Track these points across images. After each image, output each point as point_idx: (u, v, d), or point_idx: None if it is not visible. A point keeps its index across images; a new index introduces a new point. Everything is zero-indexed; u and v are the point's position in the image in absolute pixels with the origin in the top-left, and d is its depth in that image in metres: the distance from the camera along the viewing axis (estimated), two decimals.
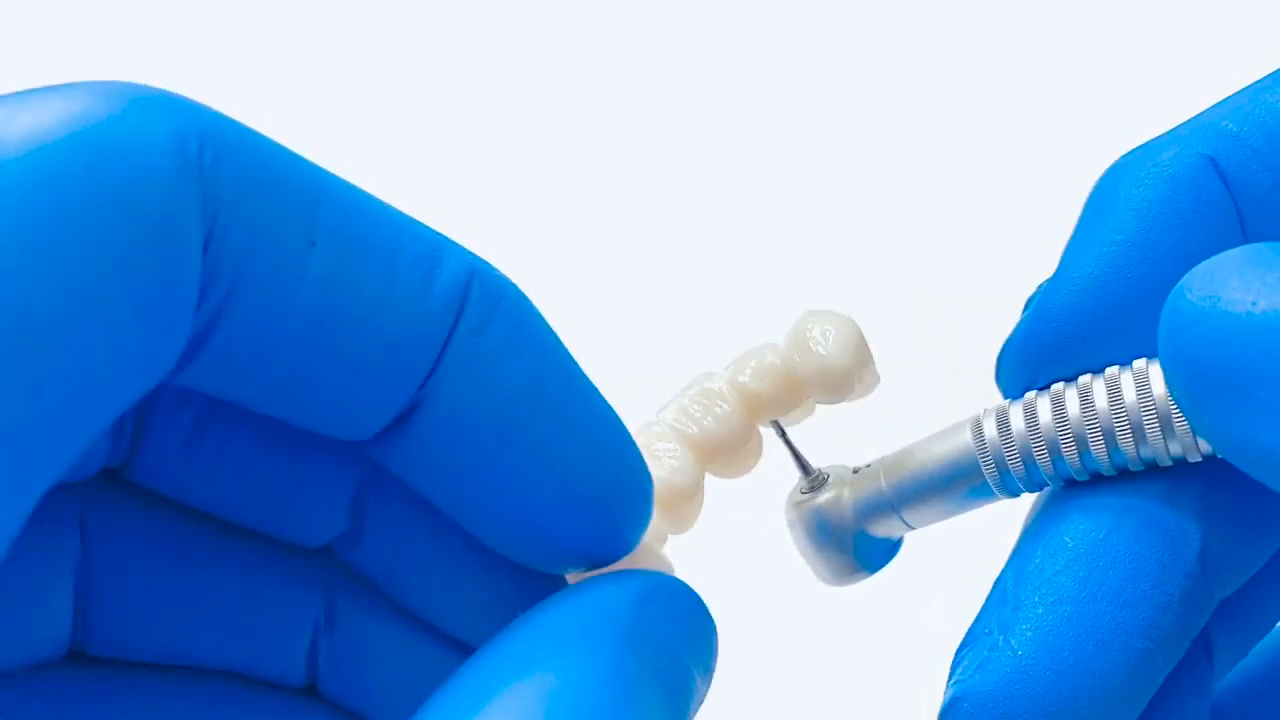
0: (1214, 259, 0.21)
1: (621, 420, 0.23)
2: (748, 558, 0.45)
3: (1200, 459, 0.23)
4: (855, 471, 0.26)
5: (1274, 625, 0.26)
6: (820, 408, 0.27)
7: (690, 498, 0.26)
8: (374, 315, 0.20)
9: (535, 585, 0.24)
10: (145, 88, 0.19)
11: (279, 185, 0.19)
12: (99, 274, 0.17)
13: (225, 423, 0.23)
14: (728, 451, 0.26)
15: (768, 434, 0.27)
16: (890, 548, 0.26)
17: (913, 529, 0.25)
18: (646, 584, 0.21)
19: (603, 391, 0.23)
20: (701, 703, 0.22)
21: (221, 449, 0.23)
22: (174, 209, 0.18)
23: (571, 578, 0.23)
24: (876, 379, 0.26)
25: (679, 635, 0.21)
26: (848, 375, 0.25)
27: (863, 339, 0.26)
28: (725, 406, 0.26)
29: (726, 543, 0.39)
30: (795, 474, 0.26)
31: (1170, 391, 0.21)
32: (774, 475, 0.28)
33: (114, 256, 0.17)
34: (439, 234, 0.21)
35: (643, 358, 0.53)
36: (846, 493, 0.25)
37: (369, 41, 0.68)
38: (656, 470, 0.26)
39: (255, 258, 0.19)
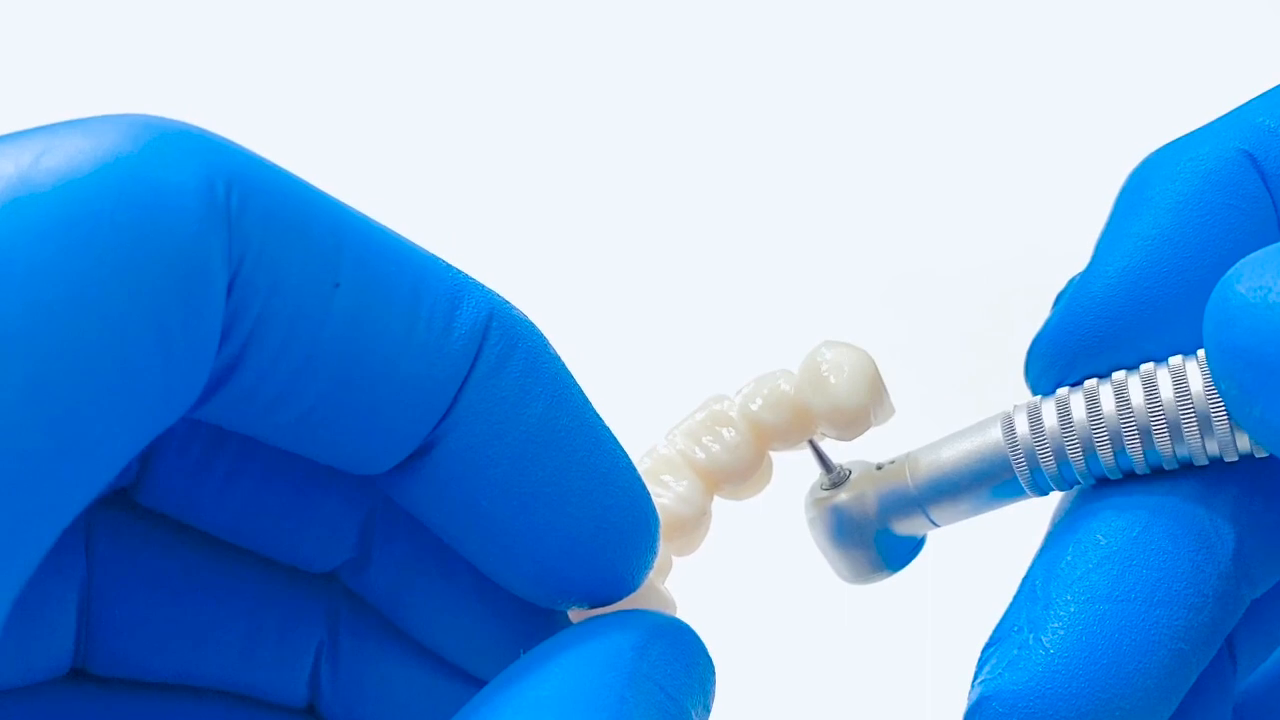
0: (1264, 250, 0.20)
1: (630, 460, 0.22)
2: (756, 573, 0.46)
3: (1237, 458, 0.22)
4: (879, 468, 0.25)
5: None
6: None
7: (695, 527, 0.26)
8: (394, 356, 0.20)
9: (538, 619, 0.24)
10: (171, 123, 0.19)
11: (304, 227, 0.19)
12: (124, 315, 0.17)
13: (236, 449, 0.23)
14: (736, 479, 0.26)
15: (778, 456, 0.27)
16: (914, 546, 0.25)
17: (938, 527, 0.25)
18: (649, 627, 0.21)
19: (619, 398, 0.23)
20: None
21: (231, 475, 0.23)
22: (200, 252, 0.18)
23: (574, 614, 0.23)
24: (891, 412, 0.26)
25: (679, 678, 0.21)
26: (861, 414, 0.25)
27: (877, 374, 0.25)
28: (734, 434, 0.26)
29: (735, 559, 0.39)
30: (800, 478, 0.26)
31: (1216, 383, 0.21)
32: (784, 494, 0.28)
33: (139, 297, 0.17)
34: (460, 272, 0.21)
35: (661, 364, 0.53)
36: (870, 489, 0.25)
37: (367, 56, 0.67)
38: (663, 498, 0.25)
39: (279, 300, 0.19)
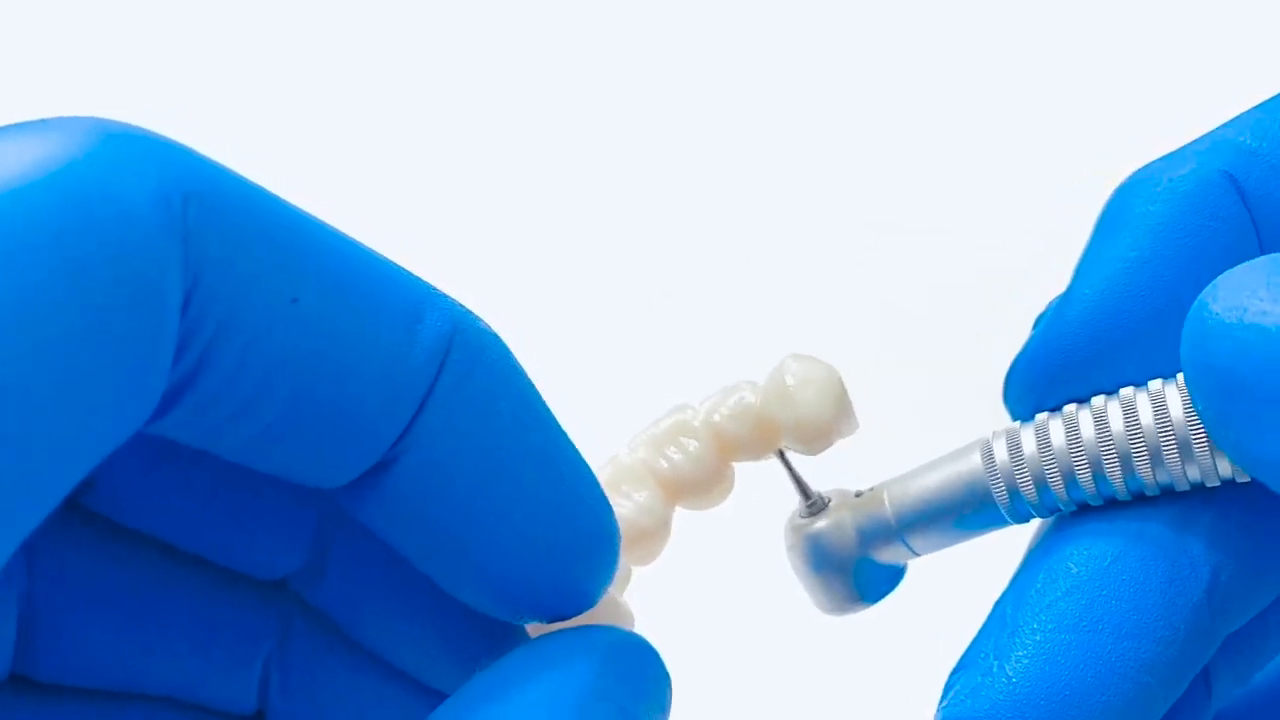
0: (1239, 268, 0.20)
1: (593, 475, 0.22)
2: (716, 584, 0.46)
3: (1218, 483, 0.22)
4: (858, 495, 0.25)
5: (1276, 656, 0.25)
6: None
7: (655, 536, 0.26)
8: (356, 370, 0.19)
9: (495, 632, 0.23)
10: (127, 127, 0.18)
11: (262, 238, 0.18)
12: (73, 331, 0.17)
13: (186, 459, 0.22)
14: (698, 489, 0.26)
15: (741, 468, 0.27)
16: (893, 575, 0.25)
17: (917, 555, 0.25)
18: (606, 644, 0.21)
19: (585, 402, 0.22)
20: None
21: (180, 483, 0.22)
22: (155, 266, 0.17)
23: (532, 628, 0.23)
24: (855, 427, 0.26)
25: (634, 694, 0.21)
26: (825, 429, 0.25)
27: (843, 389, 0.25)
28: (697, 445, 0.26)
29: (696, 570, 0.39)
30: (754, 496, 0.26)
31: (1194, 404, 0.21)
32: (746, 506, 0.28)
33: (89, 313, 0.17)
34: (424, 283, 0.20)
35: (629, 371, 0.53)
36: (849, 517, 0.24)
37: (338, 59, 0.66)
38: (623, 508, 0.25)
39: (236, 314, 0.18)
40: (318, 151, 0.62)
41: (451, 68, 0.65)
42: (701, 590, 0.44)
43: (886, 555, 0.24)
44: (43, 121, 0.17)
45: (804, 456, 0.26)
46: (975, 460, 0.23)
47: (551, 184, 0.62)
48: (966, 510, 0.24)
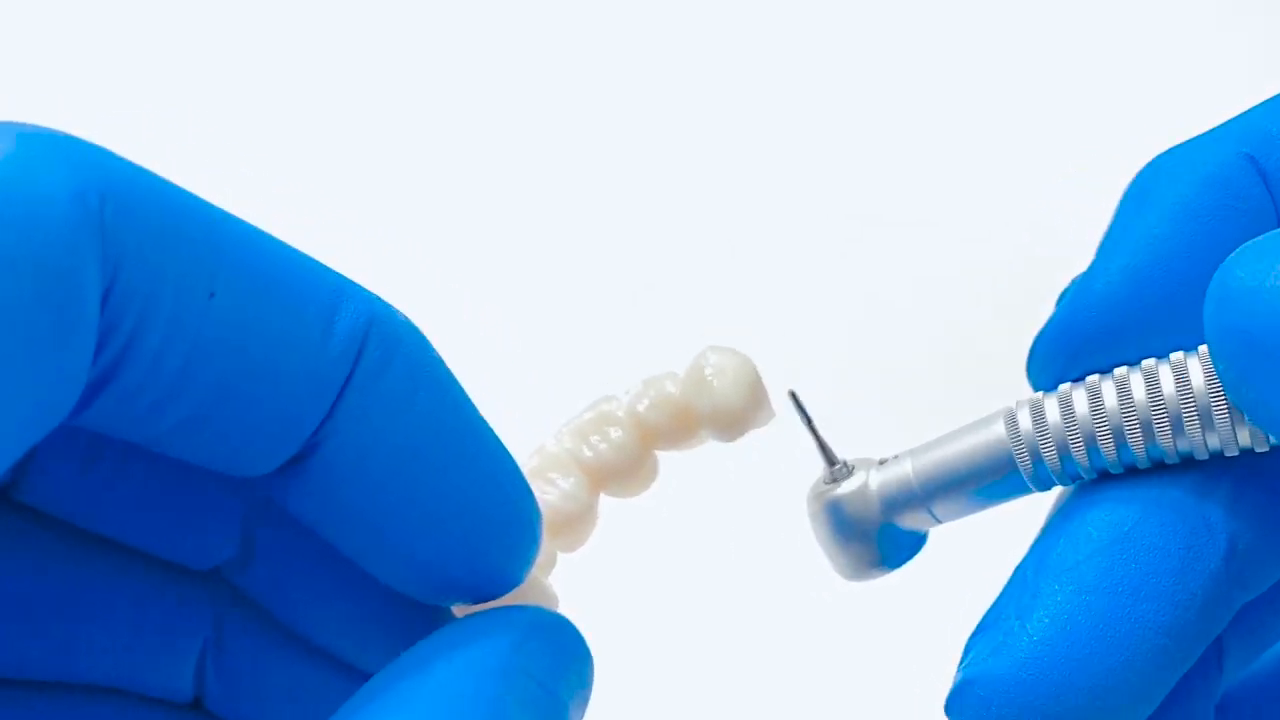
0: (1265, 236, 0.21)
1: (513, 459, 0.23)
2: (643, 569, 0.46)
3: (1237, 452, 0.22)
4: (881, 463, 0.25)
5: None
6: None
7: (580, 522, 0.26)
8: (274, 360, 0.20)
9: (421, 614, 0.24)
10: (44, 130, 0.19)
11: (179, 235, 0.19)
12: None
13: (116, 452, 0.23)
14: (622, 476, 0.27)
15: (667, 455, 0.27)
16: (915, 542, 0.25)
17: (940, 523, 0.25)
18: (525, 622, 0.22)
19: (513, 405, 0.23)
20: None
21: (111, 477, 0.23)
22: (72, 263, 0.18)
23: (458, 610, 0.24)
24: (771, 415, 0.27)
25: (555, 670, 0.22)
26: (739, 417, 0.26)
27: (758, 379, 0.26)
28: (621, 433, 0.27)
29: (621, 556, 0.39)
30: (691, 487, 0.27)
31: (1215, 365, 0.21)
32: (670, 493, 0.29)
33: (7, 309, 0.17)
34: (341, 277, 0.21)
35: (559, 362, 0.53)
36: (872, 484, 0.25)
37: (274, 64, 0.67)
38: (549, 495, 0.26)
39: (155, 308, 0.19)
40: (289, 150, 0.62)
41: (425, 62, 0.66)
42: (629, 577, 0.45)
43: (909, 522, 0.25)
44: None
45: (723, 444, 0.27)
46: (999, 429, 0.24)
47: (535, 179, 0.62)
48: (990, 477, 0.24)
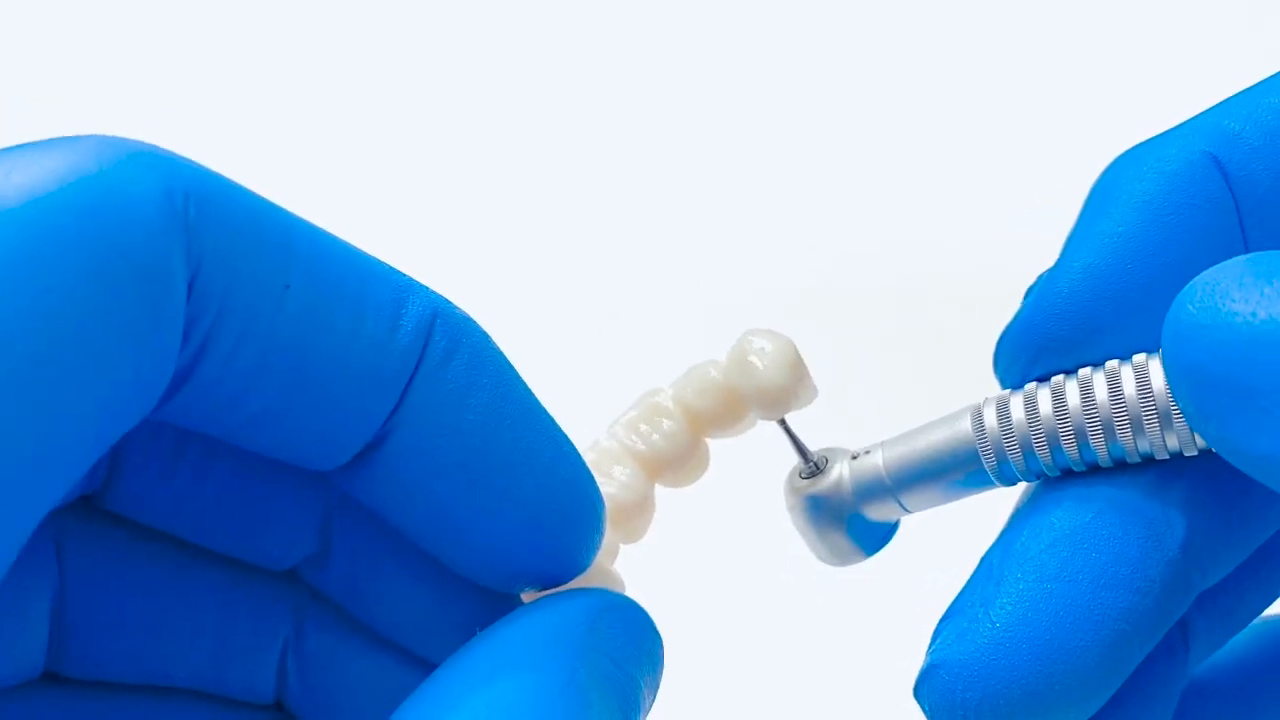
0: (1215, 269, 0.21)
1: (575, 446, 0.24)
2: (702, 558, 0.47)
3: (1196, 453, 0.23)
4: (854, 457, 0.26)
5: (1253, 615, 0.26)
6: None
7: (640, 512, 0.27)
8: (344, 354, 0.21)
9: (493, 604, 0.25)
10: (132, 142, 0.20)
11: (256, 234, 0.20)
12: (94, 320, 0.18)
13: (198, 454, 0.24)
14: (675, 465, 0.28)
15: (715, 444, 0.28)
16: (887, 530, 0.26)
17: (909, 513, 0.26)
18: (598, 603, 0.23)
19: (563, 406, 0.24)
20: (649, 710, 0.23)
21: (194, 479, 0.24)
22: (161, 259, 0.19)
23: (527, 597, 0.25)
24: (814, 393, 0.27)
25: (627, 649, 0.22)
26: (784, 393, 0.27)
27: (799, 357, 0.27)
28: (671, 423, 0.28)
29: (687, 549, 0.40)
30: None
31: (1175, 400, 0.22)
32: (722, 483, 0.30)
33: (107, 303, 0.18)
34: (405, 275, 0.22)
35: (601, 362, 0.54)
36: (846, 476, 0.26)
37: (314, 68, 0.68)
38: (608, 488, 0.27)
39: (234, 302, 0.20)
40: (273, 162, 0.63)
41: (450, 67, 0.67)
42: (689, 566, 0.45)
43: (880, 513, 0.26)
44: (56, 140, 0.19)
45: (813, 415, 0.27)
46: (966, 426, 0.25)
47: (525, 184, 0.63)
48: (956, 472, 0.25)
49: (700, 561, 0.46)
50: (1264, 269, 0.20)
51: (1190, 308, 0.21)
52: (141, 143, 0.20)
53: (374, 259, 0.22)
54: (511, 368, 0.23)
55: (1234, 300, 0.20)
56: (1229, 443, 0.20)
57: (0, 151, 0.19)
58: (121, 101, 0.65)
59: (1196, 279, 0.21)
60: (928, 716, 0.23)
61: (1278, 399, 0.19)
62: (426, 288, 0.22)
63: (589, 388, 0.40)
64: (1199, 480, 0.23)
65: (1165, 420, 0.23)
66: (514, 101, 0.67)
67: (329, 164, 0.64)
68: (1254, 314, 0.20)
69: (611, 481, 0.27)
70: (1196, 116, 0.24)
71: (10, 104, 0.65)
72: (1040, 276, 0.25)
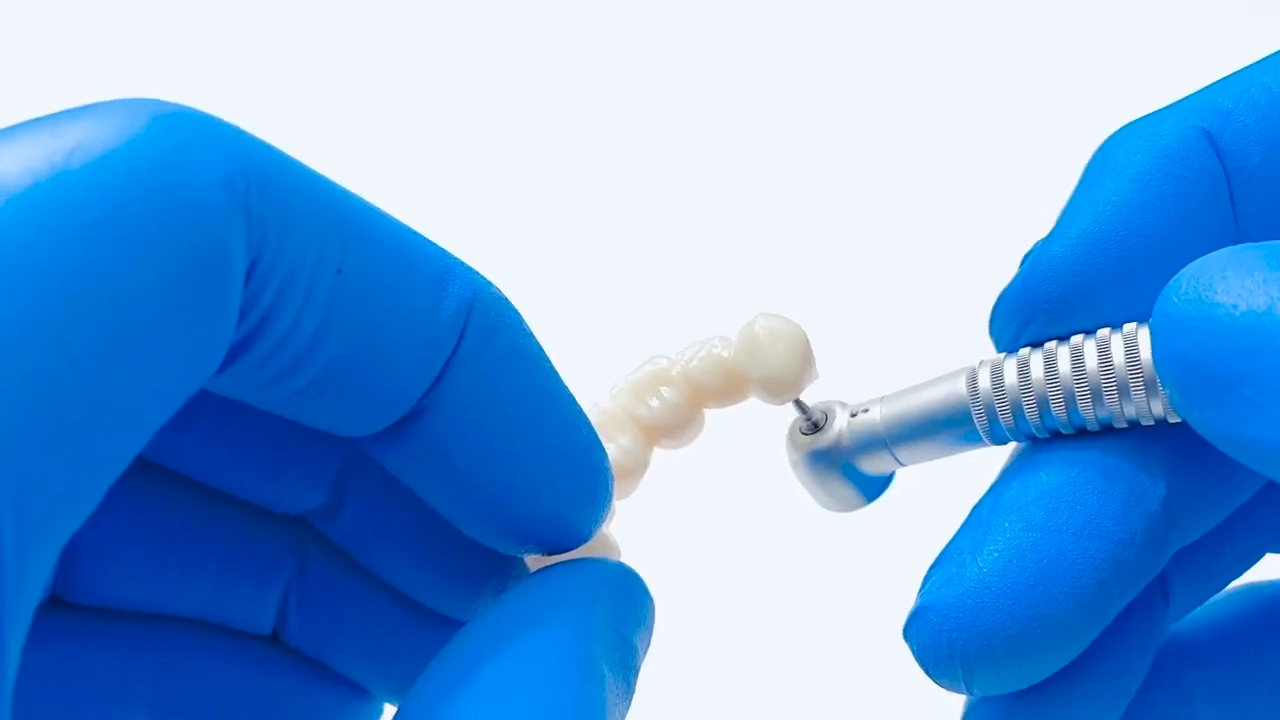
0: (1199, 262, 0.22)
1: (591, 426, 0.24)
2: (691, 516, 0.48)
3: (1180, 419, 0.24)
4: (853, 414, 0.27)
5: (1232, 577, 0.27)
6: None
7: (634, 475, 0.28)
8: (390, 331, 0.21)
9: (496, 562, 0.26)
10: (188, 112, 0.19)
11: (311, 213, 0.20)
12: (155, 300, 0.18)
13: (218, 407, 0.24)
14: (674, 433, 0.28)
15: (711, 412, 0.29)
16: (885, 479, 0.28)
17: (904, 466, 0.27)
18: (600, 573, 0.24)
19: (568, 352, 0.25)
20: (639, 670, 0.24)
21: (212, 430, 0.24)
22: (222, 243, 0.19)
23: (531, 560, 0.26)
24: (815, 378, 0.28)
25: (626, 617, 0.23)
26: (790, 383, 0.27)
27: (809, 349, 0.27)
28: (674, 393, 0.28)
29: (671, 504, 0.41)
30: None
31: (1164, 387, 0.23)
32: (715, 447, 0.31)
33: (168, 285, 0.18)
34: (448, 253, 0.22)
35: (611, 322, 0.55)
36: (845, 429, 0.27)
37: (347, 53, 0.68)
38: (609, 450, 0.28)
39: (292, 283, 0.20)
40: (331, 140, 0.63)
41: (460, 64, 0.67)
42: (677, 522, 0.47)
43: (876, 465, 0.27)
44: (110, 106, 0.19)
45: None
46: (960, 386, 0.26)
47: (547, 172, 0.64)
48: (949, 430, 0.26)
49: (690, 521, 0.48)
50: (1245, 262, 0.21)
51: (1176, 299, 0.21)
52: (196, 111, 0.20)
53: (418, 235, 0.22)
54: (540, 348, 0.24)
55: (1217, 293, 0.21)
56: (1214, 428, 0.21)
57: (54, 117, 0.19)
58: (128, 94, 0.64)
59: (1182, 271, 0.22)
60: (915, 656, 0.24)
61: (1259, 387, 0.20)
62: (467, 266, 0.23)
63: (596, 351, 0.41)
64: (1181, 444, 0.24)
65: (1151, 388, 0.24)
66: (541, 81, 0.66)
67: (333, 160, 0.63)
68: (1235, 306, 0.21)
69: (612, 445, 0.28)
70: (1191, 95, 0.25)
71: (11, 97, 0.64)
72: (1036, 243, 0.25)
